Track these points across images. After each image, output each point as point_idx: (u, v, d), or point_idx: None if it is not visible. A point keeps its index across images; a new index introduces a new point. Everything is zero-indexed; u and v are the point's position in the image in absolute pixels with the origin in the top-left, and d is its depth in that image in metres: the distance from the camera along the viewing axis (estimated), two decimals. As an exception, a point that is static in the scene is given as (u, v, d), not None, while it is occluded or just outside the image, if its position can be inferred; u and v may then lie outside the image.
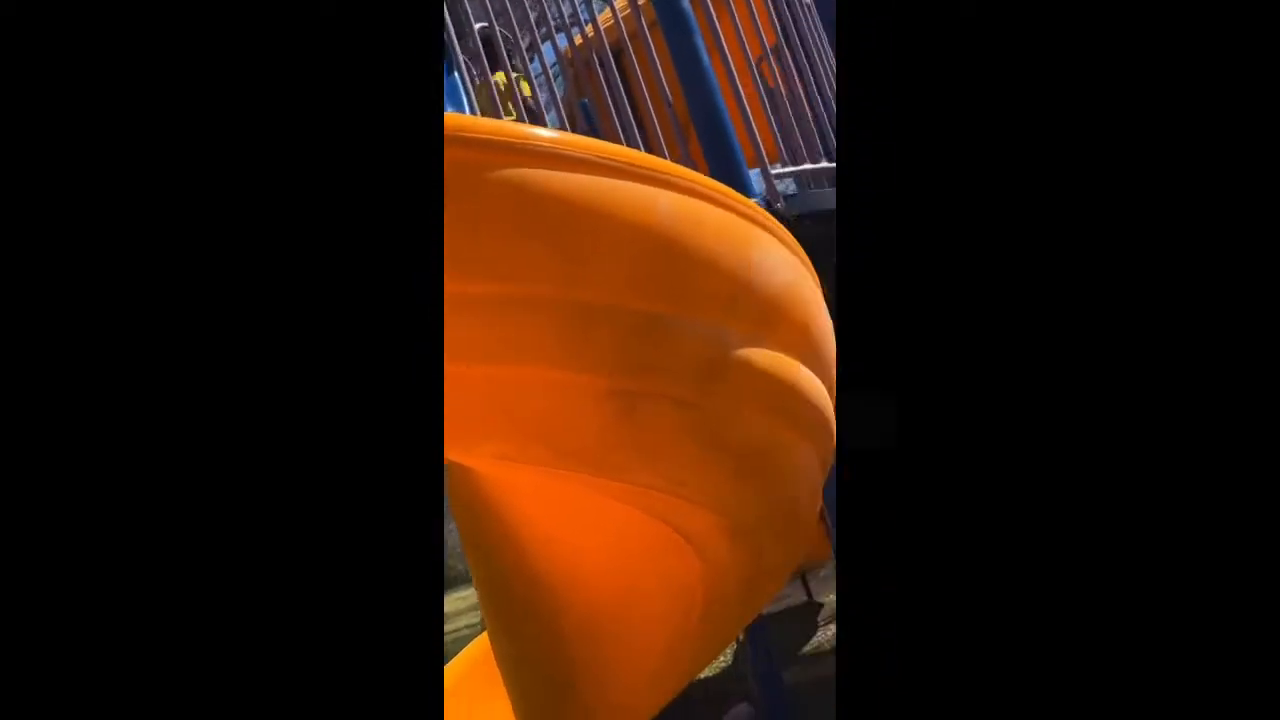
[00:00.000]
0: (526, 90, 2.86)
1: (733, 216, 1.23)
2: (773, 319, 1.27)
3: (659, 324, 1.15)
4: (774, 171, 2.41)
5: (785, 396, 1.28)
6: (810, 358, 1.34)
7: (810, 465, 1.40)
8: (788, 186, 2.70)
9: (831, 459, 1.42)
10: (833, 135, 2.58)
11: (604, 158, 1.11)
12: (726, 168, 2.35)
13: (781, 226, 1.34)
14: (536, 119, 2.72)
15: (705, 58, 2.28)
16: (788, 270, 1.30)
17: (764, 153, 2.36)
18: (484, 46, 2.60)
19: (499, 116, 2.54)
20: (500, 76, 2.76)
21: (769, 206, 2.37)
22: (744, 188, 2.37)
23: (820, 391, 1.36)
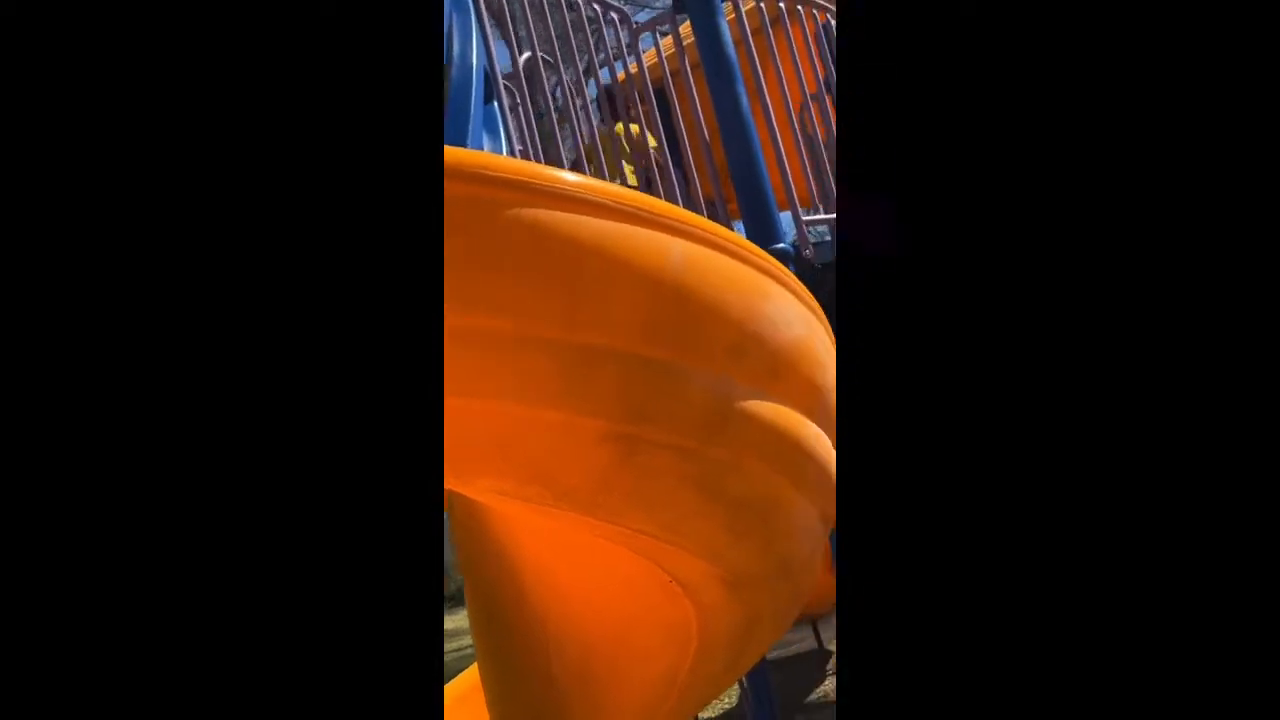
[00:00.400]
0: (652, 142, 2.82)
1: (746, 268, 1.24)
2: (781, 372, 1.27)
3: (664, 371, 1.15)
4: (806, 217, 2.41)
5: (788, 450, 1.28)
6: (817, 413, 1.33)
7: (810, 521, 1.39)
8: (821, 234, 2.69)
9: (834, 515, 1.40)
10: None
11: (620, 203, 1.12)
12: (758, 210, 2.36)
13: (796, 280, 1.34)
14: (662, 170, 2.67)
15: (745, 104, 2.29)
16: (799, 324, 1.30)
17: (796, 197, 2.36)
18: (608, 98, 2.58)
19: (617, 165, 2.52)
20: (620, 128, 2.72)
21: (797, 253, 2.37)
22: (774, 230, 2.37)
23: (826, 447, 1.35)
